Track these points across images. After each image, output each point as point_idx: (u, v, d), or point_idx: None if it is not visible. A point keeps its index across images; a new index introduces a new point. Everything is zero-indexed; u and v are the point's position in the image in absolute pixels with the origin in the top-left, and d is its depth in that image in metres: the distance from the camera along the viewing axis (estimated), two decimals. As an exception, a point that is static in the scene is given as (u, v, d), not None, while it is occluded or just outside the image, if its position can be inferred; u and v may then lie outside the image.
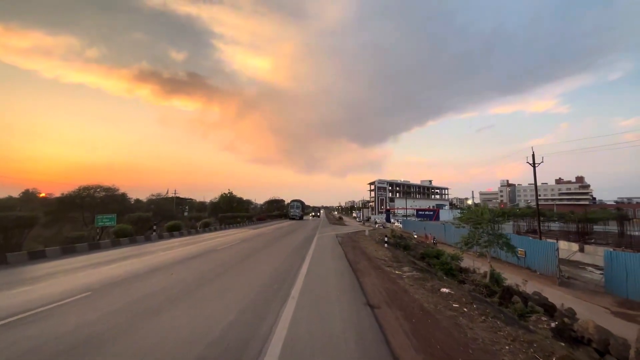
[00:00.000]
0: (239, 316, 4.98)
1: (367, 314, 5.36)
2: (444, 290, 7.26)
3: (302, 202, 59.74)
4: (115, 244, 14.77)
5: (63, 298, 5.79)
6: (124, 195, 36.27)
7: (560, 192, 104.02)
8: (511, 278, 16.06)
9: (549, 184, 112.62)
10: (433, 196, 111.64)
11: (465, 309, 5.93)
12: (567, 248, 28.89)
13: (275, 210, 66.79)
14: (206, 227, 28.22)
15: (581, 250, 27.25)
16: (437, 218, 68.16)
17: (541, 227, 51.88)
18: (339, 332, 4.50)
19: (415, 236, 36.75)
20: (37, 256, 10.59)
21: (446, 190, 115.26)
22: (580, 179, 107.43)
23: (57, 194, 32.12)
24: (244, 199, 56.23)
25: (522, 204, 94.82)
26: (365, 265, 10.44)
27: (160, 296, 6.11)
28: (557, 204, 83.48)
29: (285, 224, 40.06)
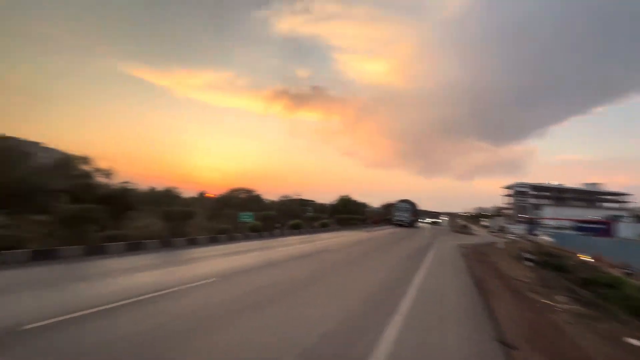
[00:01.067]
0: (337, 326, 4.60)
1: (496, 355, 4.04)
2: (631, 341, 4.90)
3: (412, 204, 46.69)
4: (246, 238, 17.33)
5: (193, 281, 6.79)
6: (258, 196, 43.31)
7: None
8: None
9: None
10: (602, 203, 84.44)
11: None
12: None
13: (390, 214, 65.05)
14: (323, 227, 29.82)
15: None
16: (609, 233, 50.89)
17: None
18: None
19: (581, 257, 28.31)
20: (192, 242, 13.48)
21: (625, 197, 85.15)
22: None
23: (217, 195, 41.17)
24: (360, 202, 57.27)
25: None
26: (496, 285, 8.42)
27: (269, 290, 6.44)
28: None
29: (399, 229, 38.12)
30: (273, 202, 46.38)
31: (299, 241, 17.28)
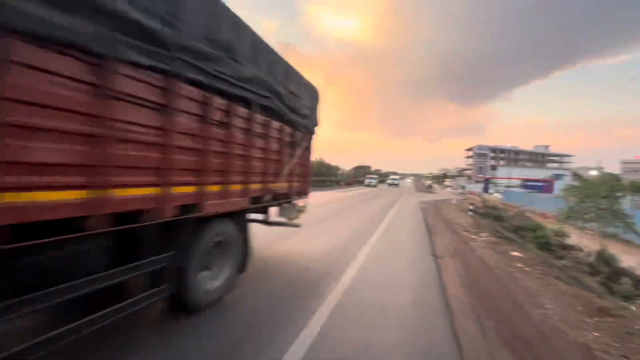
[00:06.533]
0: (329, 251, 6.92)
1: (430, 260, 6.63)
2: (514, 253, 7.76)
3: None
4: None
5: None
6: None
7: None
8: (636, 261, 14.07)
9: None
10: (549, 164, 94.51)
11: (527, 269, 6.53)
12: None
13: (361, 176, 68.76)
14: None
15: None
16: (551, 190, 58.50)
17: None
18: (403, 265, 5.99)
19: (520, 209, 33.35)
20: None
21: (568, 158, 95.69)
22: None
23: None
24: (332, 164, 59.91)
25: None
26: (442, 228, 11.27)
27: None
28: None
29: (369, 189, 41.69)
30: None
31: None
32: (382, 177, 76.84)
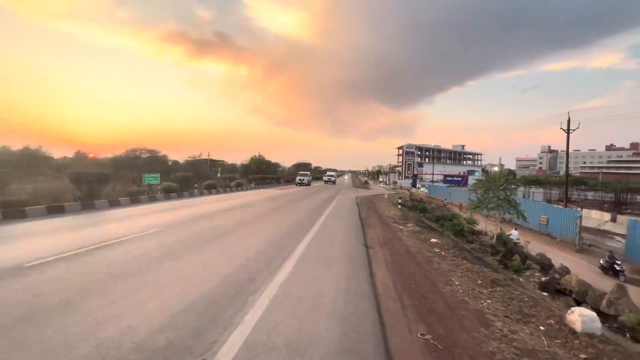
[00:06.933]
0: (268, 246, 6.95)
1: (361, 249, 7.13)
2: (433, 240, 8.80)
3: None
4: (167, 198, 17.76)
5: (144, 230, 8.13)
6: (165, 157, 40.78)
7: (609, 159, 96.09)
8: (523, 242, 17.11)
9: (597, 150, 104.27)
10: (465, 162, 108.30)
11: (443, 253, 7.49)
12: (598, 217, 28.68)
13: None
14: (239, 187, 31.15)
15: (613, 220, 26.99)
16: (465, 184, 67.31)
17: (577, 196, 49.75)
18: (338, 256, 6.34)
19: (446, 202, 37.58)
20: (114, 204, 13.57)
21: (479, 156, 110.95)
22: (635, 146, 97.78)
23: (103, 156, 36.73)
24: (273, 162, 59.23)
25: (564, 172, 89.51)
26: (374, 221, 12.13)
27: (210, 233, 8.29)
28: (603, 172, 78.07)
29: (312, 185, 42.49)
30: (179, 164, 44.34)
31: (220, 199, 18.66)
32: (321, 174, 78.68)
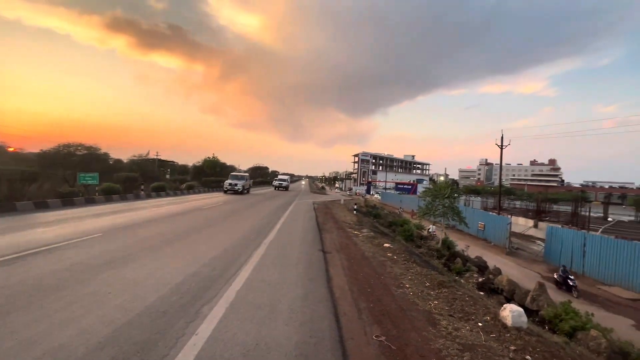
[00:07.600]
0: (223, 252, 6.68)
1: (319, 255, 7.21)
2: (386, 245, 9.23)
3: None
4: (108, 200, 16.10)
5: (82, 236, 7.30)
6: (106, 154, 36.64)
7: (533, 173, 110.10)
8: (463, 246, 18.73)
9: (523, 164, 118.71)
10: (415, 171, 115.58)
11: (395, 257, 7.89)
12: (524, 224, 32.44)
13: (259, 177, 68.09)
14: (190, 190, 29.50)
15: (535, 226, 30.71)
16: (415, 192, 71.81)
17: (508, 205, 55.78)
18: (295, 261, 6.32)
19: (401, 209, 39.57)
20: (41, 206, 11.89)
21: (427, 166, 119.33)
22: (552, 162, 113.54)
23: (28, 150, 32.14)
24: (228, 164, 57.07)
25: (498, 183, 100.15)
26: (330, 226, 12.34)
27: (158, 238, 7.72)
28: (528, 184, 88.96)
29: (268, 190, 41.79)
30: (123, 162, 40.64)
31: (169, 202, 17.49)
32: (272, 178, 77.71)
